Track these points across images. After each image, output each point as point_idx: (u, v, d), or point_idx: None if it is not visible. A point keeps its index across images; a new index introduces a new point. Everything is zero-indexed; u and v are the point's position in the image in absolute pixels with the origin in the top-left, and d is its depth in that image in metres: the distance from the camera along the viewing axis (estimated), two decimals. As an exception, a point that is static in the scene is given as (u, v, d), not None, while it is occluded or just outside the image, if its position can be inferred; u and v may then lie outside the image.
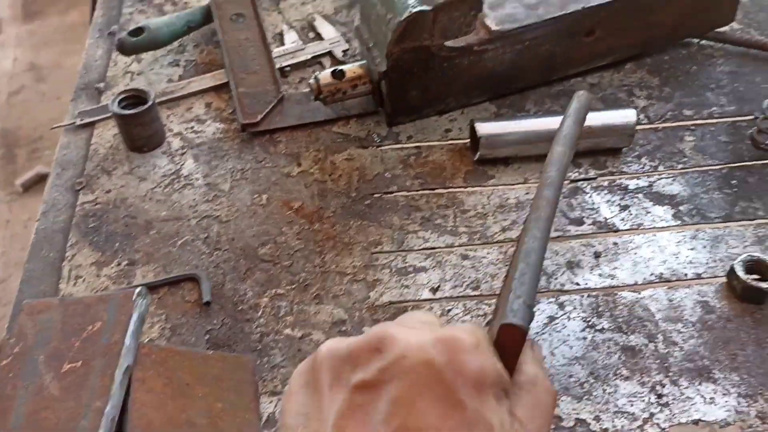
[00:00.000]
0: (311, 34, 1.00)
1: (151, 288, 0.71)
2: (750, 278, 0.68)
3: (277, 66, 0.93)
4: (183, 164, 0.84)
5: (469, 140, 0.85)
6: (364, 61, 0.84)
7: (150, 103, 0.81)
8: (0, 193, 2.18)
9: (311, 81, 0.84)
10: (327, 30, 0.99)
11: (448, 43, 0.80)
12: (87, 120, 0.88)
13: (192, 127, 0.88)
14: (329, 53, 0.96)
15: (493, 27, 0.82)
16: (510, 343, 0.40)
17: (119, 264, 0.74)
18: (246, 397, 0.61)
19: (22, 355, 0.57)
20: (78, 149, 0.86)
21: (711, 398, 0.62)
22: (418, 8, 0.73)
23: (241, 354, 0.65)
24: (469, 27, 0.76)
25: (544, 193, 0.49)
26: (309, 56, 0.95)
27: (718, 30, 0.95)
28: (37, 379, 0.55)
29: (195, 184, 0.81)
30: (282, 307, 0.70)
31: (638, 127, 0.86)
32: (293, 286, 0.72)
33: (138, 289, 0.60)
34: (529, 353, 0.43)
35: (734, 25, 0.97)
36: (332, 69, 0.84)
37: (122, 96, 0.82)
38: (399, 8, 0.75)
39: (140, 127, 0.82)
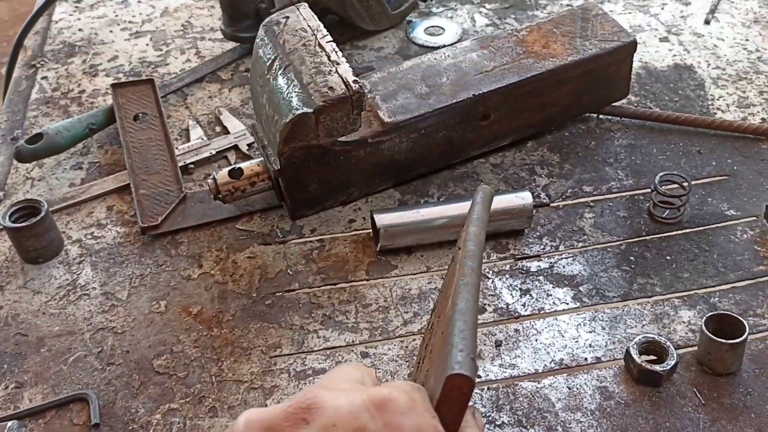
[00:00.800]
0: (218, 128, 1.00)
1: (38, 412, 0.68)
2: (644, 360, 0.68)
3: (181, 163, 0.93)
4: (80, 273, 0.82)
5: (371, 230, 0.85)
6: (261, 158, 0.84)
7: (42, 214, 0.80)
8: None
9: (209, 181, 0.83)
10: (233, 123, 0.99)
11: (341, 138, 0.80)
12: (-18, 232, 0.86)
13: (92, 233, 0.86)
14: (235, 147, 0.96)
15: (386, 119, 0.83)
16: (457, 395, 0.39)
17: (6, 387, 0.71)
18: None
19: None
20: (-29, 264, 0.84)
21: (610, 492, 0.61)
22: (301, 111, 0.74)
23: (126, 481, 0.62)
24: (354, 125, 0.77)
25: (467, 263, 0.49)
26: (214, 151, 0.95)
27: (615, 104, 0.97)
28: None
29: (91, 294, 0.80)
30: (174, 423, 0.68)
31: (540, 206, 0.87)
32: (188, 399, 0.70)
33: (9, 424, 0.58)
34: (471, 419, 0.42)
35: (631, 97, 1.00)
36: (230, 168, 0.84)
37: (14, 208, 0.81)
38: (284, 111, 0.75)
39: (33, 239, 0.80)
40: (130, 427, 0.67)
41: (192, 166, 0.94)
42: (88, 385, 0.71)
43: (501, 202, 0.83)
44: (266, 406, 0.69)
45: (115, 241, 0.85)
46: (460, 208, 0.82)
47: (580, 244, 0.83)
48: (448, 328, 0.44)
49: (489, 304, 0.77)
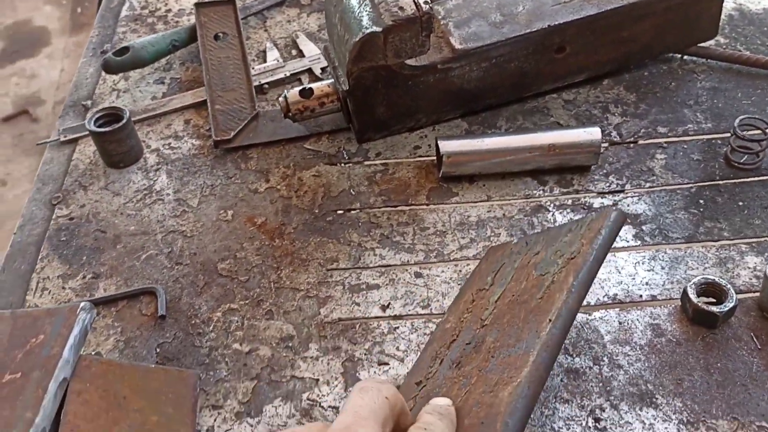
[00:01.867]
0: (294, 52, 1.02)
1: (111, 301, 0.74)
2: (701, 301, 0.67)
3: (256, 83, 0.96)
4: (156, 180, 0.86)
5: (435, 157, 0.85)
6: (332, 80, 0.86)
7: (124, 121, 0.84)
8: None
9: (280, 99, 0.85)
10: (309, 47, 1.01)
11: (410, 62, 0.80)
12: (70, 136, 0.91)
13: (169, 144, 0.91)
14: (309, 70, 0.98)
15: (457, 46, 0.82)
16: None
17: (84, 277, 0.76)
18: (183, 410, 0.62)
19: (-31, 365, 0.60)
20: (59, 165, 0.89)
21: (650, 424, 0.61)
22: (370, 30, 0.74)
23: (185, 369, 0.67)
24: (423, 47, 0.77)
25: (554, 327, 0.54)
26: (288, 73, 0.97)
27: (702, 45, 0.93)
28: (-21, 389, 0.58)
29: (165, 200, 0.84)
30: (233, 322, 0.71)
31: (609, 145, 0.85)
32: (247, 302, 0.73)
33: (82, 304, 0.63)
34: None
35: (720, 39, 0.95)
36: (300, 87, 0.85)
37: (99, 114, 0.85)
38: (354, 30, 0.76)
39: (115, 143, 0.85)
40: (193, 321, 0.72)
41: (266, 86, 0.96)
42: (157, 281, 0.75)
43: (569, 136, 0.81)
44: (319, 314, 0.71)
45: (189, 152, 0.89)
46: (525, 140, 0.82)
47: (648, 185, 0.81)
48: (511, 394, 0.50)
49: (547, 236, 0.77)
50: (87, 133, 0.89)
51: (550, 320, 0.54)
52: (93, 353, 0.69)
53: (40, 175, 0.88)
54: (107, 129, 0.84)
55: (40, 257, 0.78)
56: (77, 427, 0.57)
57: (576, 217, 0.78)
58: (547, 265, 0.61)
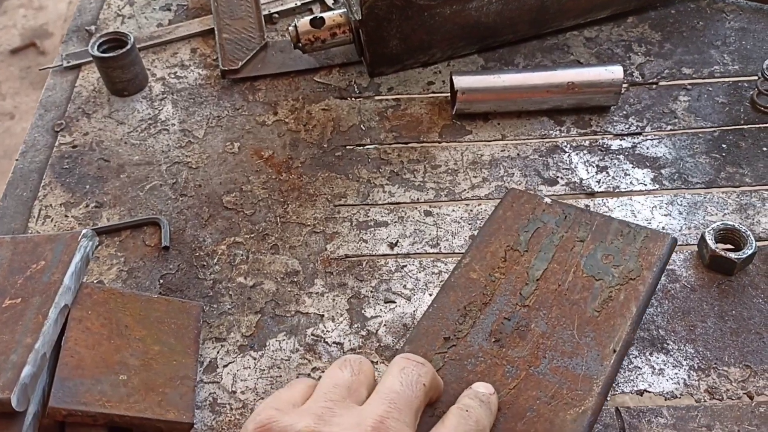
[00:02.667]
0: (305, -20, 0.98)
1: (114, 231, 0.72)
2: (719, 247, 0.65)
3: (266, 12, 0.92)
4: (162, 109, 0.84)
5: (449, 94, 0.82)
6: (344, 10, 0.82)
7: (128, 46, 0.81)
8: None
9: (290, 29, 0.82)
10: (321, -24, 0.97)
11: (427, -9, 0.77)
12: (74, 62, 0.89)
13: (175, 73, 0.88)
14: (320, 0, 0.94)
15: (476, -25, 0.79)
16: None
17: (87, 206, 0.75)
18: (186, 341, 0.62)
19: (-32, 288, 0.59)
20: (62, 91, 0.87)
21: (660, 369, 0.60)
22: (386, -47, 0.71)
23: (188, 300, 0.66)
24: (441, -26, 0.73)
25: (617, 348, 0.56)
26: (299, 2, 0.94)
27: (733, -18, 0.89)
28: (-21, 313, 0.57)
29: (171, 130, 0.82)
30: (238, 255, 0.70)
31: (631, 85, 0.82)
32: (252, 235, 0.72)
33: (84, 231, 0.61)
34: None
35: (753, -23, 0.91)
36: (312, 17, 0.82)
37: (103, 39, 0.83)
38: (369, -47, 0.72)
39: (119, 70, 0.82)
40: (197, 254, 0.70)
41: (276, 15, 0.93)
42: (161, 212, 0.74)
43: (589, 74, 0.78)
44: (326, 250, 0.70)
45: (196, 82, 0.87)
46: (544, 77, 0.79)
47: (669, 127, 0.78)
48: (575, 422, 0.52)
49: (561, 177, 0.75)
50: (90, 58, 0.87)
51: (614, 351, 0.56)
52: (95, 282, 0.68)
53: (42, 102, 0.86)
54: (111, 54, 0.81)
55: (42, 184, 0.77)
56: (78, 354, 0.56)
57: (593, 159, 0.76)
58: (600, 270, 0.62)
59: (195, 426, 0.58)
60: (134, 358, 0.58)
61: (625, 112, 0.80)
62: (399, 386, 0.45)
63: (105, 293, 0.61)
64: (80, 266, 0.60)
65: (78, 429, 0.55)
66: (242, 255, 0.70)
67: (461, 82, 0.78)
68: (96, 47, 0.82)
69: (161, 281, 0.68)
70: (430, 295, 0.66)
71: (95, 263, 0.70)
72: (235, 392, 0.60)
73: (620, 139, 0.77)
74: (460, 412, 0.47)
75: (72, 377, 0.55)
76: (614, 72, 0.77)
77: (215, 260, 0.70)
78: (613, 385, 0.59)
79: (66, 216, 0.74)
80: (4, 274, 0.60)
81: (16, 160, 0.80)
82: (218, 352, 0.63)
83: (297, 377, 0.61)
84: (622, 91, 0.80)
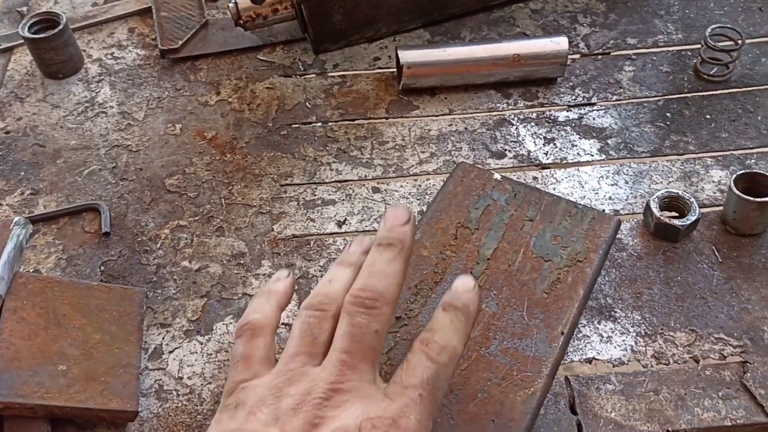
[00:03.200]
0: (246, -44, 0.95)
1: (51, 218, 0.70)
2: (663, 215, 0.65)
3: (206, -11, 0.89)
4: (99, 91, 0.81)
5: (395, 69, 0.81)
6: (286, -16, 0.80)
7: (61, 26, 0.78)
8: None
9: (230, 5, 0.80)
10: (262, -49, 0.94)
11: (369, -36, 0.75)
12: (4, 45, 0.85)
13: (112, 54, 0.85)
14: (262, -24, 0.92)
15: (419, -54, 0.77)
16: None
17: (22, 193, 0.72)
18: (128, 328, 0.60)
19: None
20: (-6, 75, 0.83)
21: (608, 337, 0.60)
22: (324, -76, 0.69)
23: (131, 286, 0.64)
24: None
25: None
26: (240, -21, 0.91)
27: (675, -48, 0.89)
28: None
29: (109, 113, 0.79)
30: (182, 239, 0.68)
31: (577, 56, 0.82)
32: (196, 218, 0.70)
33: (16, 219, 0.59)
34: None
35: (694, -54, 0.91)
36: (252, -8, 0.80)
37: (34, 20, 0.79)
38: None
39: (52, 52, 0.79)
40: (140, 239, 0.68)
41: (217, -8, 0.90)
42: (101, 198, 0.71)
43: (534, 46, 0.78)
44: (272, 230, 0.68)
45: (134, 63, 0.84)
46: (489, 49, 0.78)
47: (615, 98, 0.78)
48: (525, 403, 0.52)
49: (509, 150, 0.74)
50: (22, 40, 0.83)
51: (562, 333, 0.57)
52: (32, 272, 0.65)
53: (-28, 87, 0.82)
54: (43, 35, 0.78)
55: (-26, 173, 0.74)
56: (13, 345, 0.54)
57: (540, 131, 0.76)
58: (549, 251, 0.62)
59: (140, 414, 0.56)
60: (74, 348, 0.56)
61: (571, 84, 0.80)
62: (348, 343, 0.42)
63: (41, 282, 0.59)
64: (13, 255, 0.57)
65: (17, 422, 0.53)
66: (186, 238, 0.68)
67: (407, 56, 0.77)
68: (27, 28, 0.78)
69: (102, 268, 0.66)
70: (380, 272, 0.65)
71: (32, 252, 0.67)
72: (181, 378, 0.59)
73: (567, 111, 0.77)
74: (420, 345, 0.43)
75: (8, 369, 0.53)
76: (559, 43, 0.77)
77: (158, 245, 0.68)
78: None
79: (0, 204, 0.71)
80: None
81: (-54, 148, 0.76)
82: (163, 338, 0.61)
83: (245, 360, 0.60)
84: (568, 63, 0.80)
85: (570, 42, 0.79)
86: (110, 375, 0.56)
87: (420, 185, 0.72)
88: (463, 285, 0.46)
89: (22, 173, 0.74)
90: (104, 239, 0.68)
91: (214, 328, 0.62)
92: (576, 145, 0.74)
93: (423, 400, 0.41)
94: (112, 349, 0.58)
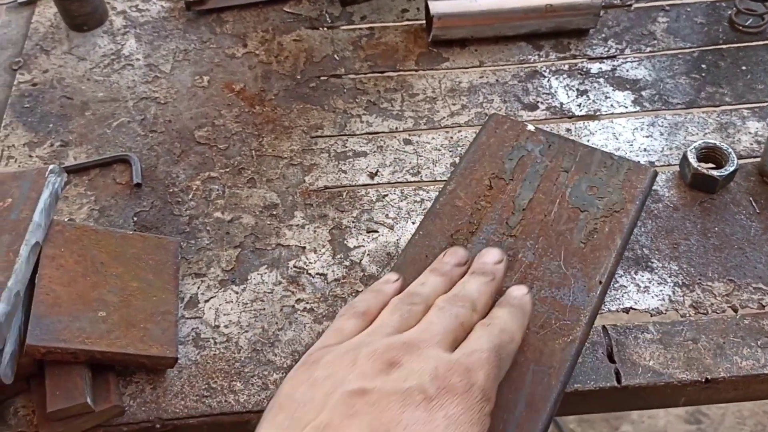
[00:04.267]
0: None
1: (82, 169, 0.69)
2: (701, 166, 0.64)
3: (230, -59, 0.88)
4: (124, 44, 0.80)
5: (424, 21, 0.80)
6: (313, -67, 0.79)
7: (86, -23, 0.77)
8: None
9: (257, -46, 0.78)
10: None
11: None
12: (28, -3, 0.84)
13: (136, 6, 0.84)
14: (286, -73, 0.90)
15: None
16: None
17: (52, 145, 0.72)
18: (164, 277, 0.60)
19: (-67, 230, 0.56)
20: (18, 28, 0.82)
21: (645, 287, 0.60)
22: None
23: (164, 236, 0.64)
24: None
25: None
26: (264, -70, 0.89)
27: None
28: (-54, 254, 0.54)
29: (135, 65, 0.78)
30: (214, 191, 0.68)
31: (608, 8, 0.81)
32: (227, 170, 0.69)
33: (51, 167, 0.58)
34: None
35: None
36: (279, -59, 0.78)
37: (58, -30, 0.78)
38: None
39: (78, 3, 0.78)
40: (171, 190, 0.68)
41: (241, -56, 0.88)
42: (131, 149, 0.71)
43: (567, -4, 0.76)
44: (304, 182, 0.68)
45: (159, 15, 0.83)
46: (522, 0, 0.76)
47: (649, 49, 0.77)
48: (564, 350, 0.52)
49: (542, 102, 0.73)
50: (46, -7, 0.82)
51: (600, 282, 0.56)
52: (66, 220, 0.65)
53: (-3, 39, 0.81)
54: (68, -14, 0.77)
55: (3, 124, 0.73)
56: (53, 292, 0.54)
57: (573, 83, 0.75)
58: (585, 201, 0.61)
59: (179, 361, 0.57)
60: (112, 295, 0.56)
61: (603, 35, 0.79)
62: (430, 330, 0.43)
63: (78, 230, 0.59)
64: (49, 203, 0.57)
65: (58, 367, 0.53)
66: (218, 190, 0.68)
67: (437, 7, 0.76)
68: (51, -22, 0.77)
69: (135, 219, 0.66)
70: (413, 223, 0.65)
71: (65, 203, 0.67)
72: (218, 326, 0.59)
73: (600, 62, 0.76)
74: (482, 326, 0.45)
75: (49, 315, 0.53)
76: (593, -7, 0.76)
77: (190, 196, 0.68)
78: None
79: (30, 156, 0.71)
80: None
81: (-27, 100, 0.76)
82: (198, 288, 0.61)
83: (280, 310, 0.60)
84: (601, 14, 0.78)
85: (602, -7, 0.77)
86: (149, 322, 0.56)
87: (452, 137, 0.71)
88: (518, 289, 0.50)
89: (51, 125, 0.73)
90: (136, 190, 0.68)
91: (249, 277, 0.62)
92: (609, 97, 0.73)
93: (491, 361, 0.42)
94: (150, 296, 0.58)
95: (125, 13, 0.83)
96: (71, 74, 0.77)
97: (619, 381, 0.55)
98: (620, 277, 0.61)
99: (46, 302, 0.54)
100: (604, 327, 0.58)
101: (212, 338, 0.58)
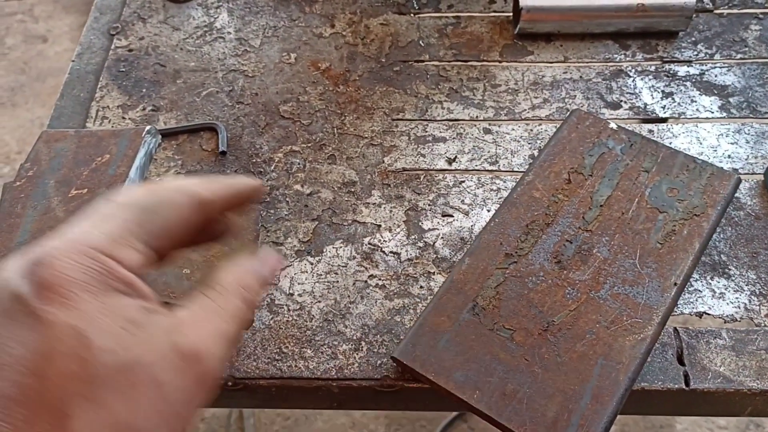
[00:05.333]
0: None
1: (171, 134, 0.72)
2: (788, 176, 0.63)
3: (324, -77, 0.89)
4: (217, 17, 0.83)
5: (511, 13, 0.80)
6: None
7: (186, -50, 0.80)
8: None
9: (351, -63, 0.80)
10: None
11: None
12: (128, -33, 0.87)
13: (230, -19, 0.86)
14: None
15: None
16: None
17: (144, 109, 0.75)
18: (246, 242, 0.62)
19: (34, 178, 0.59)
20: (117, -5, 0.86)
21: (721, 293, 0.60)
22: None
23: (247, 202, 0.66)
24: None
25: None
26: None
27: None
28: (46, 202, 0.57)
29: (226, 38, 0.81)
30: (295, 164, 0.70)
31: (701, 12, 0.79)
32: (309, 145, 0.71)
33: (148, 127, 0.61)
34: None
35: None
36: (374, -75, 0.80)
37: (160, -58, 0.81)
38: None
39: (176, -25, 0.81)
40: (254, 160, 0.70)
41: (334, -73, 0.90)
42: (218, 118, 0.73)
43: (660, -3, 0.76)
44: (383, 162, 0.69)
45: (252, -9, 0.85)
46: (613, -3, 0.76)
47: (739, 56, 0.76)
48: (634, 348, 0.53)
49: (625, 102, 0.73)
50: (146, -37, 0.85)
51: (675, 284, 0.57)
52: (157, 180, 0.68)
53: (97, 5, 0.85)
54: (169, -42, 0.80)
55: (99, 86, 0.77)
56: (143, 246, 0.57)
57: (658, 85, 0.74)
58: (664, 202, 0.61)
59: (254, 324, 0.59)
60: (196, 254, 0.59)
61: (693, 39, 0.77)
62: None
63: (167, 190, 0.61)
64: (144, 162, 0.60)
65: (142, 318, 0.56)
66: (299, 163, 0.70)
67: (527, 0, 0.76)
68: (153, -51, 0.80)
69: (219, 185, 0.68)
70: (489, 211, 0.66)
71: (153, 165, 0.70)
72: (292, 294, 0.61)
73: (687, 66, 0.75)
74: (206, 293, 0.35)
75: (137, 267, 0.55)
76: (686, -5, 0.75)
77: (272, 167, 0.70)
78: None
79: (123, 118, 0.74)
80: (69, 165, 0.60)
81: (72, 61, 0.79)
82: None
83: (353, 284, 0.61)
84: (693, 17, 0.77)
85: (695, -4, 0.76)
86: (229, 283, 0.58)
87: (532, 129, 0.71)
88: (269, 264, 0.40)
89: (144, 90, 0.76)
90: (221, 158, 0.70)
91: (324, 250, 0.64)
92: (695, 101, 0.72)
93: None
94: (230, 259, 0.60)
95: (219, -13, 0.86)
96: (165, 43, 0.80)
97: (687, 384, 0.55)
98: (695, 281, 0.60)
99: (136, 255, 0.56)
100: (675, 329, 0.58)
101: (286, 305, 0.60)
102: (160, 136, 0.62)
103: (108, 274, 0.31)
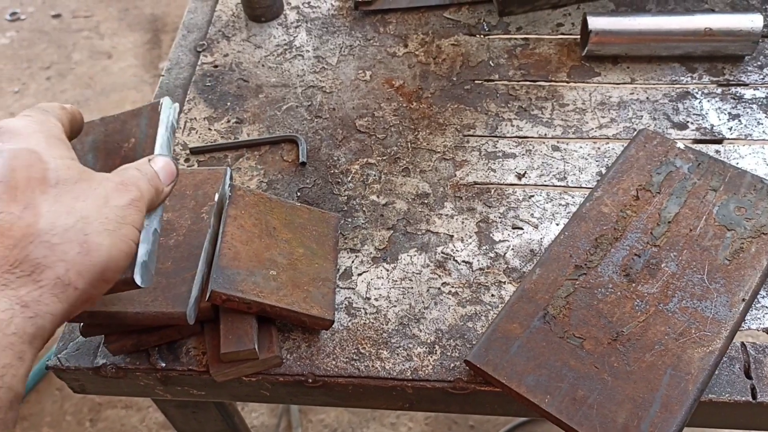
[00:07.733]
0: None
1: (254, 145, 0.77)
2: None
3: (397, -52, 0.94)
4: (296, 36, 0.87)
5: (579, 36, 0.83)
6: (481, -55, 0.83)
7: (270, -27, 0.84)
8: (145, 75, 2.34)
9: (426, -38, 0.84)
10: None
11: (569, -71, 0.77)
12: (213, -12, 0.93)
13: (309, 3, 0.91)
14: (450, -61, 0.95)
15: None
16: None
17: (228, 121, 0.79)
18: (326, 247, 0.66)
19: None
20: (203, 14, 0.91)
21: (788, 311, 0.61)
22: None
23: (327, 211, 0.69)
24: None
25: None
26: (430, -60, 0.95)
27: None
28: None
29: (305, 56, 0.85)
30: (371, 175, 0.73)
31: (766, 36, 0.81)
32: (384, 158, 0.75)
33: (162, 99, 0.58)
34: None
35: None
36: (448, -49, 0.83)
37: (246, -35, 0.86)
38: None
39: (260, -4, 0.86)
40: (332, 171, 0.74)
41: (407, -49, 0.94)
42: (297, 131, 0.78)
43: (727, 21, 0.77)
44: (455, 176, 0.72)
45: (329, 12, 0.90)
46: (680, 21, 0.78)
47: (807, 80, 0.77)
48: (703, 360, 0.56)
49: (692, 123, 0.75)
50: (230, -15, 0.91)
51: (743, 299, 0.59)
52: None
53: (185, 23, 0.90)
54: (254, -20, 0.85)
55: (186, 99, 0.82)
56: (234, 247, 0.61)
57: (725, 107, 0.76)
58: (732, 221, 0.64)
59: (333, 325, 0.62)
60: (282, 257, 0.63)
61: (759, 63, 0.79)
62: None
63: (255, 196, 0.65)
64: (167, 137, 0.57)
65: (232, 315, 0.60)
66: (375, 175, 0.73)
67: (595, 23, 0.79)
68: (240, -28, 0.85)
69: (298, 194, 0.72)
70: (557, 225, 0.68)
71: (237, 174, 0.74)
72: (369, 298, 0.64)
73: (754, 89, 0.77)
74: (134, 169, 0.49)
75: (230, 267, 0.59)
76: (754, 20, 0.76)
77: (349, 178, 0.73)
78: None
79: (209, 129, 0.79)
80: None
81: (161, 76, 0.85)
82: (353, 262, 0.67)
83: (427, 290, 0.64)
84: (759, 42, 0.79)
85: (765, 17, 0.78)
86: (311, 286, 0.62)
87: (599, 148, 0.74)
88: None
89: (228, 104, 0.81)
90: (300, 168, 0.74)
91: (399, 258, 0.67)
92: (762, 124, 0.74)
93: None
94: (313, 263, 0.64)
95: (299, 8, 0.90)
96: (248, 59, 0.85)
97: (754, 397, 0.56)
98: (763, 297, 0.62)
99: (228, 255, 0.60)
100: (743, 343, 0.59)
101: (363, 308, 0.64)
102: (177, 105, 0.59)
103: (53, 126, 0.47)
